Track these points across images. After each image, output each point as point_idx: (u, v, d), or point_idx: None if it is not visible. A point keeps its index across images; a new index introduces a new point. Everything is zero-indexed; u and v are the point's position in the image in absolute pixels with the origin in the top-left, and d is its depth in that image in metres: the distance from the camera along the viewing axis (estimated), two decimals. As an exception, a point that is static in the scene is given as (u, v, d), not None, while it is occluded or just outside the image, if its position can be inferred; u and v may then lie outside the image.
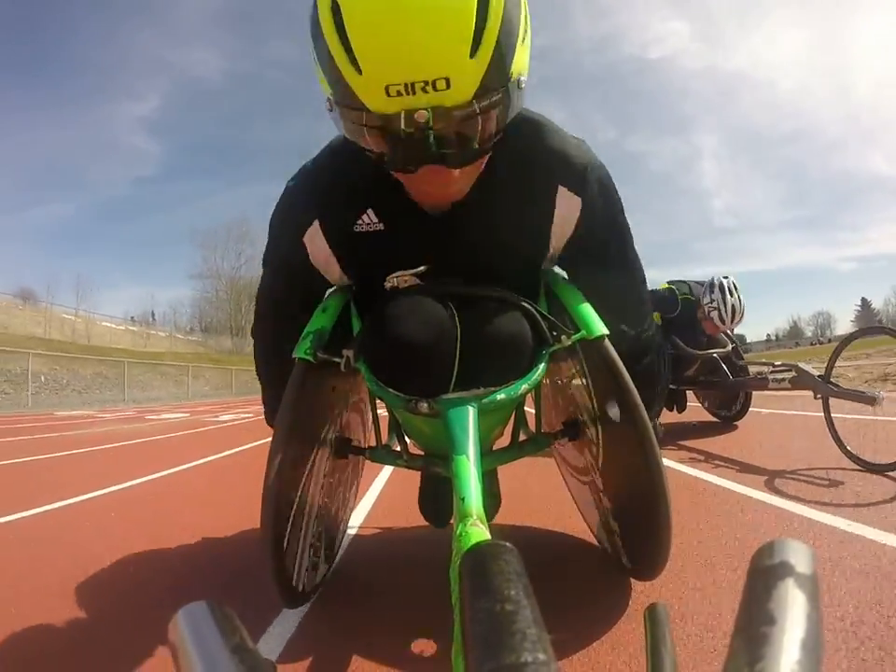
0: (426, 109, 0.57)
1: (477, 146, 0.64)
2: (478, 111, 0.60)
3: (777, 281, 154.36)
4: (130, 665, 0.84)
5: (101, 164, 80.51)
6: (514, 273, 0.89)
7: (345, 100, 0.61)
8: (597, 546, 1.19)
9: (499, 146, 0.69)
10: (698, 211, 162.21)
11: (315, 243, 0.84)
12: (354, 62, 0.57)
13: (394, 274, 0.84)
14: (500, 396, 0.76)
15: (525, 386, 0.81)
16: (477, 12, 0.56)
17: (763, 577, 0.21)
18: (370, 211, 0.81)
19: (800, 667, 0.18)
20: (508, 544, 0.28)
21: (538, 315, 0.87)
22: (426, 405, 0.75)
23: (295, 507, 0.87)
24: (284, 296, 0.98)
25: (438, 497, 1.25)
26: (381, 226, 0.82)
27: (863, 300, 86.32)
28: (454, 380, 0.83)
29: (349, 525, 1.41)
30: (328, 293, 0.98)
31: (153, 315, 42.74)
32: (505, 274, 0.88)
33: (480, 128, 0.62)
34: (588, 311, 0.87)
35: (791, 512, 1.38)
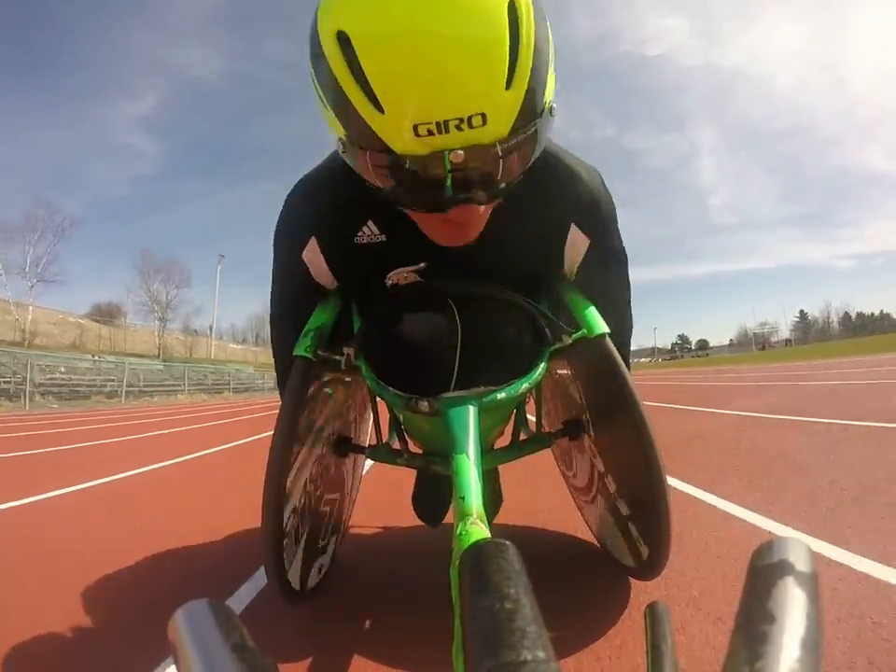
0: (461, 150, 0.51)
1: (505, 183, 0.58)
2: (513, 147, 0.54)
3: (775, 279, 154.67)
4: (130, 664, 0.85)
5: (99, 164, 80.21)
6: (515, 276, 0.89)
7: (364, 141, 0.54)
8: (597, 545, 1.19)
9: None
10: (695, 207, 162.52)
11: (313, 258, 0.83)
12: (374, 99, 0.50)
13: (394, 271, 0.83)
14: (501, 395, 0.76)
15: (525, 385, 0.80)
16: (510, 37, 0.50)
17: (763, 575, 0.21)
18: (370, 223, 0.78)
19: (800, 665, 0.18)
20: (507, 542, 0.27)
21: (538, 314, 0.86)
22: (426, 404, 0.75)
23: (296, 505, 0.87)
24: (292, 305, 0.96)
25: (431, 497, 1.26)
26: (383, 237, 0.79)
27: (801, 312, 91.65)
28: (454, 378, 0.83)
29: (350, 523, 1.41)
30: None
31: (211, 328, 49.24)
32: (507, 277, 0.88)
33: (512, 164, 0.56)
34: (589, 309, 0.87)
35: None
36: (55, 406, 14.53)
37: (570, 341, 0.85)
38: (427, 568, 1.13)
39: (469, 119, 0.50)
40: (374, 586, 1.10)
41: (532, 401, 1.17)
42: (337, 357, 0.86)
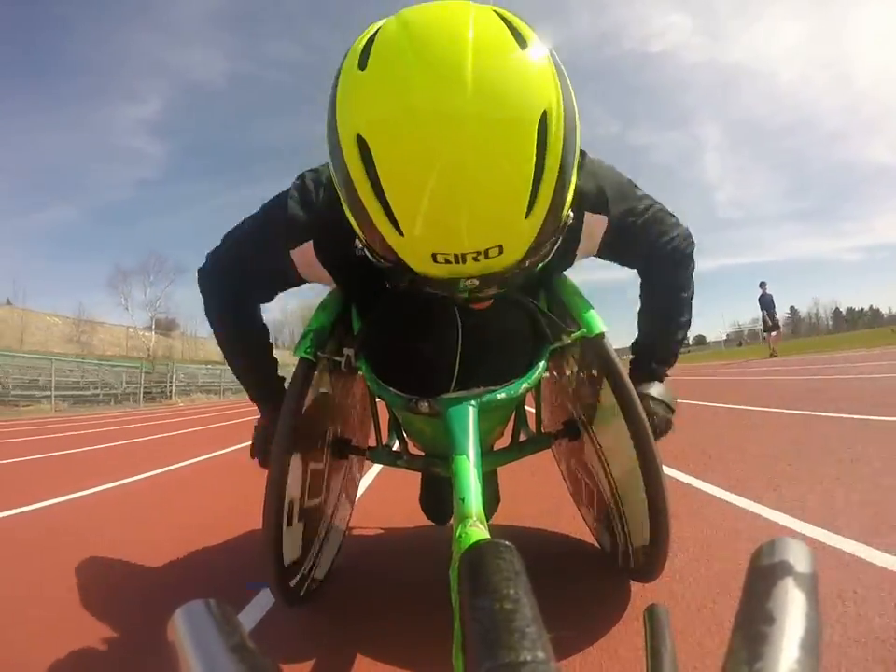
0: (477, 278, 0.53)
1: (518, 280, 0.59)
2: (527, 266, 0.56)
3: (782, 273, 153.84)
4: (129, 665, 0.85)
5: (102, 167, 79.80)
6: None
7: (382, 253, 0.56)
8: (597, 546, 1.19)
9: None
10: (701, 203, 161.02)
11: (306, 259, 0.80)
12: (393, 221, 0.50)
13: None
14: (501, 395, 0.76)
15: (525, 385, 0.80)
16: (535, 165, 0.48)
17: (763, 575, 0.21)
18: None
19: (799, 666, 0.18)
20: (507, 543, 0.27)
21: (538, 314, 0.87)
22: (426, 404, 0.75)
23: (296, 507, 0.87)
24: (249, 276, 0.88)
25: (439, 495, 1.26)
26: None
27: (792, 308, 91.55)
28: (454, 379, 0.83)
29: (350, 524, 1.41)
30: (328, 292, 0.98)
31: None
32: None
33: (524, 273, 0.58)
34: (588, 308, 0.87)
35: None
36: (231, 397, 20.58)
37: (570, 340, 0.85)
38: (427, 569, 1.13)
39: (487, 251, 0.51)
40: (374, 587, 1.10)
41: (532, 401, 1.17)
42: (337, 359, 0.86)
